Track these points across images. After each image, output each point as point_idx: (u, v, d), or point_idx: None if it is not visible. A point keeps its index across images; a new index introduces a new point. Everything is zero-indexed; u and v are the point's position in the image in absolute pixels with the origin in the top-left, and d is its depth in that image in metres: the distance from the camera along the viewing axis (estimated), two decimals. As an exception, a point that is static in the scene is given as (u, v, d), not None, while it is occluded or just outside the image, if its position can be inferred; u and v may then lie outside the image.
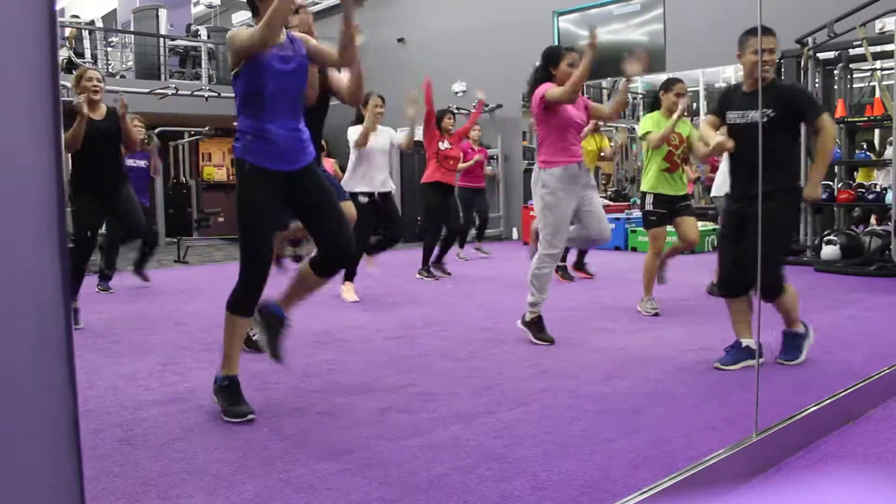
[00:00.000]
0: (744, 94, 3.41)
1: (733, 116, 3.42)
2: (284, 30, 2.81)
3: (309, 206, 2.86)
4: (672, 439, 2.46)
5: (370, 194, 5.36)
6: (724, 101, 3.52)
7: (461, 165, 7.47)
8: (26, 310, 0.80)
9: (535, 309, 3.99)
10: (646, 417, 2.71)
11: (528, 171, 11.69)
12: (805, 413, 2.48)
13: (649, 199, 4.81)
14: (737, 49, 3.43)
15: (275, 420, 2.74)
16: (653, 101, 5.12)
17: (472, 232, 8.68)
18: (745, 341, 3.37)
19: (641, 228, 9.13)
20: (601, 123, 6.92)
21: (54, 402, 0.82)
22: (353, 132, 5.35)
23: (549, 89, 3.88)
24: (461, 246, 8.40)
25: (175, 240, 9.70)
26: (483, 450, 2.38)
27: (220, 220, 11.08)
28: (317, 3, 14.65)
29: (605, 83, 12.11)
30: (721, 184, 5.69)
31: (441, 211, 6.73)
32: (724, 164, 5.42)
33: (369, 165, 5.39)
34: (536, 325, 3.99)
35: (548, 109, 3.92)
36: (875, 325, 4.45)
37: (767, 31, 3.29)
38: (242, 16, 17.45)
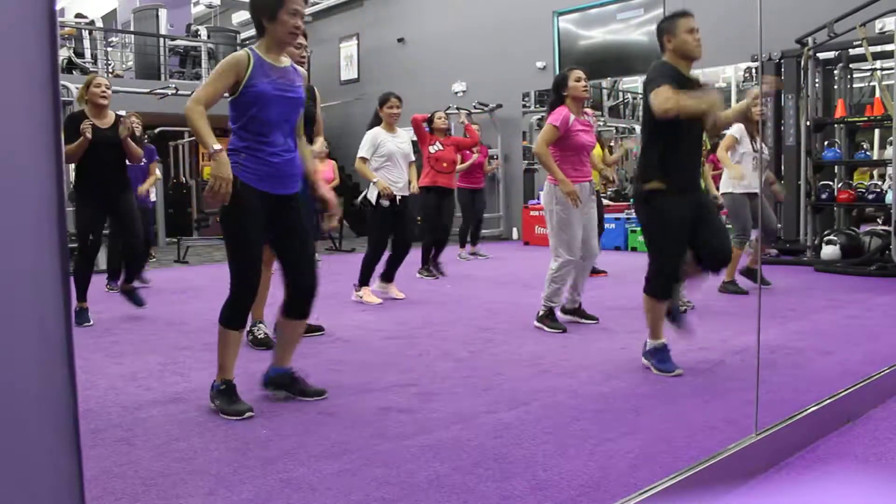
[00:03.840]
0: (685, 79, 3.22)
1: None
2: (288, 59, 2.91)
3: (285, 237, 2.90)
4: (672, 439, 2.46)
5: (392, 199, 5.29)
6: (674, 78, 3.17)
7: (460, 167, 7.54)
8: (26, 310, 0.80)
9: (551, 305, 4.32)
10: (646, 417, 2.71)
11: (528, 172, 11.72)
12: (805, 413, 2.48)
13: None
14: (665, 35, 3.25)
15: (275, 420, 2.74)
16: None
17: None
18: None
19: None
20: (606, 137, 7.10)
21: (54, 402, 0.82)
22: (369, 139, 5.35)
23: (544, 130, 4.24)
24: (462, 246, 8.44)
25: (175, 240, 9.70)
26: (483, 450, 2.38)
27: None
28: (316, 3, 14.67)
29: (605, 83, 12.12)
30: (726, 180, 5.65)
31: (437, 213, 6.75)
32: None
33: (390, 170, 5.35)
34: (549, 318, 4.31)
35: (561, 135, 4.21)
36: (875, 325, 4.45)
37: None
38: (242, 16, 17.46)
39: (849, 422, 2.64)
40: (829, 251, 6.89)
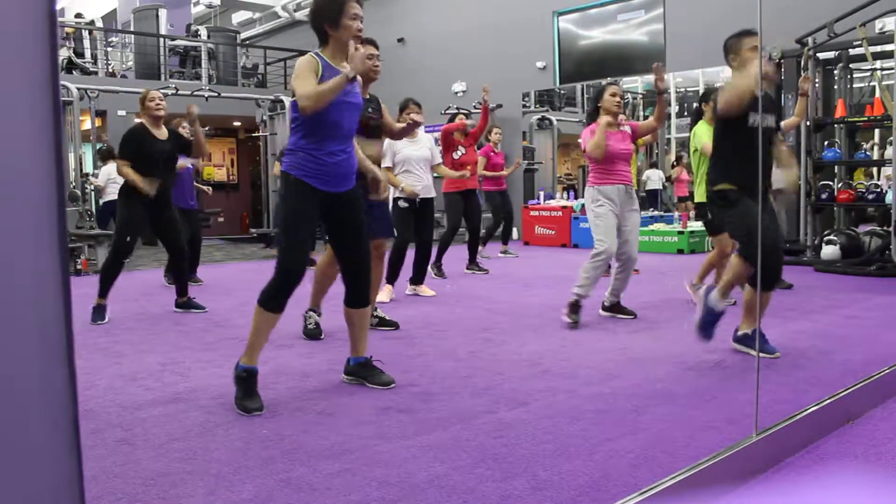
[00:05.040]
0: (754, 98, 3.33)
1: (755, 118, 3.37)
2: (348, 65, 3.03)
3: (340, 231, 3.08)
4: (672, 439, 2.46)
5: (411, 201, 5.45)
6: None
7: (483, 172, 7.88)
8: (26, 310, 0.80)
9: (578, 296, 4.47)
10: (646, 417, 2.71)
11: (528, 172, 11.73)
12: (805, 413, 2.48)
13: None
14: (730, 53, 3.50)
15: (275, 420, 2.74)
16: (697, 113, 5.22)
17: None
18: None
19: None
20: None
21: (54, 402, 0.82)
22: (387, 148, 5.43)
23: (588, 144, 4.56)
24: (483, 245, 8.59)
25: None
26: (483, 450, 2.38)
27: (220, 220, 11.07)
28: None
29: (604, 83, 12.12)
30: None
31: (461, 215, 6.96)
32: None
33: (409, 173, 5.46)
34: (572, 306, 4.47)
35: None
36: (875, 325, 4.45)
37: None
38: (242, 16, 17.46)
39: (849, 422, 2.64)
40: (829, 251, 6.89)
